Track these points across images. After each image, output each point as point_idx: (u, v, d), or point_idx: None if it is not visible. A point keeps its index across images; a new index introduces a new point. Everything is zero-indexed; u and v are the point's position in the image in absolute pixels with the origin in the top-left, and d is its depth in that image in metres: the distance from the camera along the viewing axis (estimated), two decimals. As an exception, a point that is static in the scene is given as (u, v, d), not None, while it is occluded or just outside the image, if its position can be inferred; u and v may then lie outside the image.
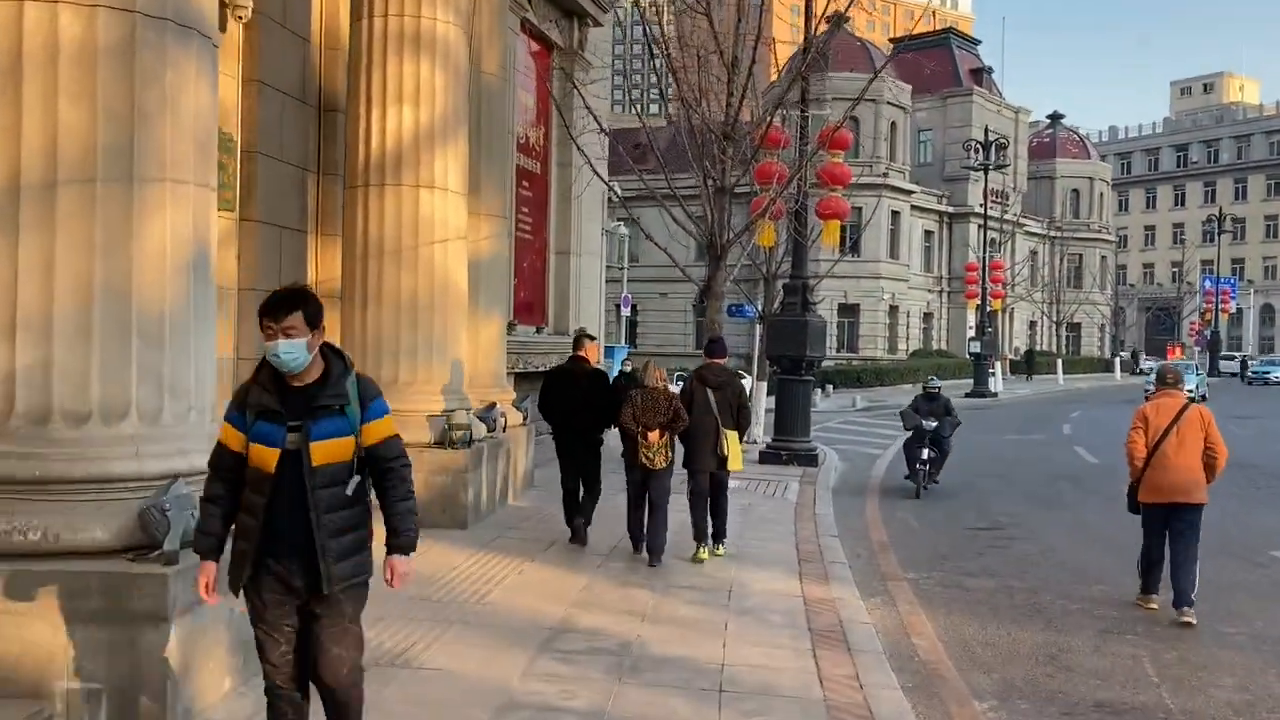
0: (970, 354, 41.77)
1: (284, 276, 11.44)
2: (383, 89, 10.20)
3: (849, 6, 16.31)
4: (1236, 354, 69.77)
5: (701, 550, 9.27)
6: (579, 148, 15.61)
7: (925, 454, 14.26)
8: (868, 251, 50.80)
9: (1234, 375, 60.47)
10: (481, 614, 7.14)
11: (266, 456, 3.89)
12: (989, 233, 44.50)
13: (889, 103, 52.90)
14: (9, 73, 4.87)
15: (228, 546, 4.08)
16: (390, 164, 10.20)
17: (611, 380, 11.05)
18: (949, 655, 7.06)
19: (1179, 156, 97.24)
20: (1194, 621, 7.81)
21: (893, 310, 54.40)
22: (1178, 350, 66.99)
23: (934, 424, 14.27)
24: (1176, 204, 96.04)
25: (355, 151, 10.45)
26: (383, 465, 4.07)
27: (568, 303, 17.77)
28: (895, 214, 53.82)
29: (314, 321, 3.90)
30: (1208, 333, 69.00)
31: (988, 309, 42.92)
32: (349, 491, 3.98)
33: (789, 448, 16.84)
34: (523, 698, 5.54)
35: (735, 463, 9.43)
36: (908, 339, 56.24)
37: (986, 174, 43.24)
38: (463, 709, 5.34)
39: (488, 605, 7.38)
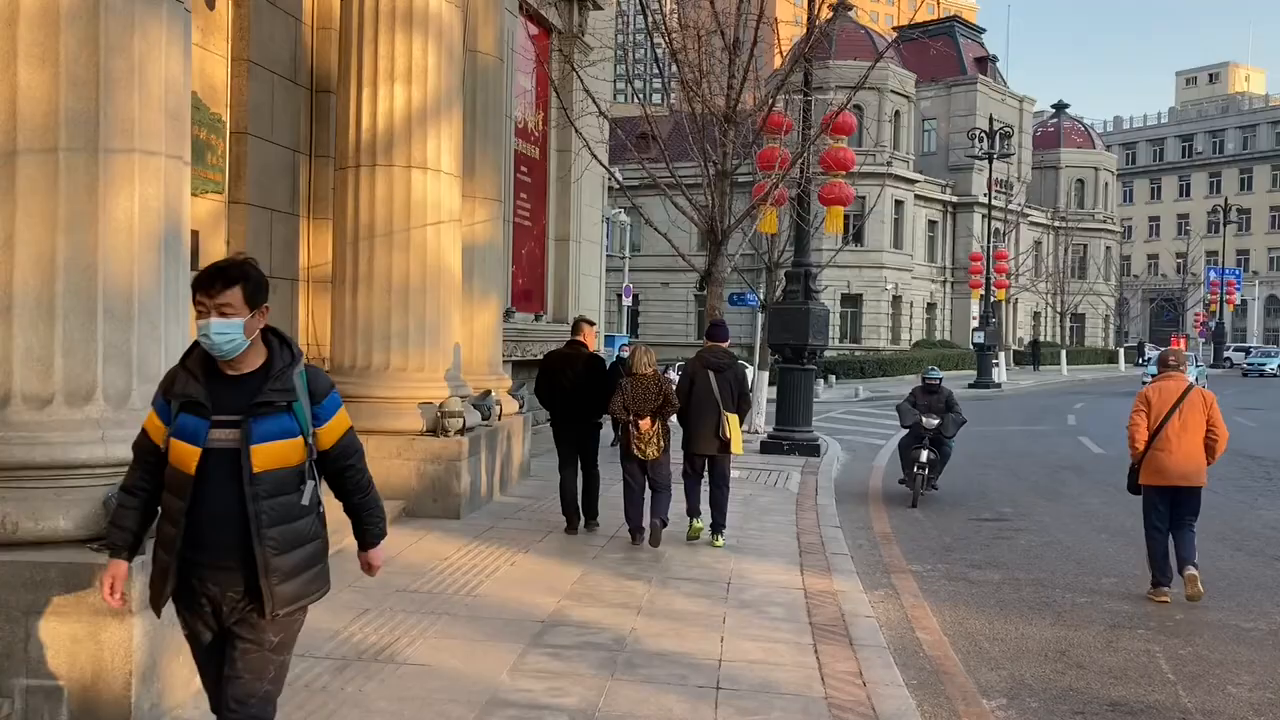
0: (974, 344, 41.50)
1: (274, 261, 11.22)
2: (374, 67, 9.93)
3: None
4: (1248, 345, 69.14)
5: (696, 522, 9.35)
6: (577, 131, 15.34)
7: (924, 456, 12.59)
8: (871, 241, 50.52)
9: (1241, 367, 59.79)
10: (471, 607, 6.90)
11: (186, 456, 3.33)
12: (993, 223, 44.19)
13: (893, 91, 52.56)
14: (-35, 34, 4.63)
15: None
16: (381, 144, 9.94)
17: (609, 366, 10.83)
18: (955, 650, 6.81)
19: (1184, 147, 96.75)
20: (1198, 576, 7.98)
21: (896, 300, 54.10)
22: (1182, 341, 66.57)
23: (935, 421, 12.61)
24: (1181, 194, 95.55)
25: (346, 132, 10.19)
26: (341, 464, 3.61)
27: (567, 290, 17.53)
28: (899, 203, 53.54)
29: (255, 300, 3.36)
30: (1212, 324, 68.66)
31: (992, 299, 42.59)
32: (305, 501, 3.46)
33: (791, 437, 16.61)
34: (510, 695, 5.29)
35: (737, 446, 9.36)
36: (911, 329, 55.95)
37: (991, 163, 42.97)
38: (446, 707, 5.10)
39: (478, 597, 7.13)
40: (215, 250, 10.43)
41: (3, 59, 4.62)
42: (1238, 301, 74.18)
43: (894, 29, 63.22)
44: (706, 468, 9.45)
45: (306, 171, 11.81)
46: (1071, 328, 67.73)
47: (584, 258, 18.62)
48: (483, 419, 10.85)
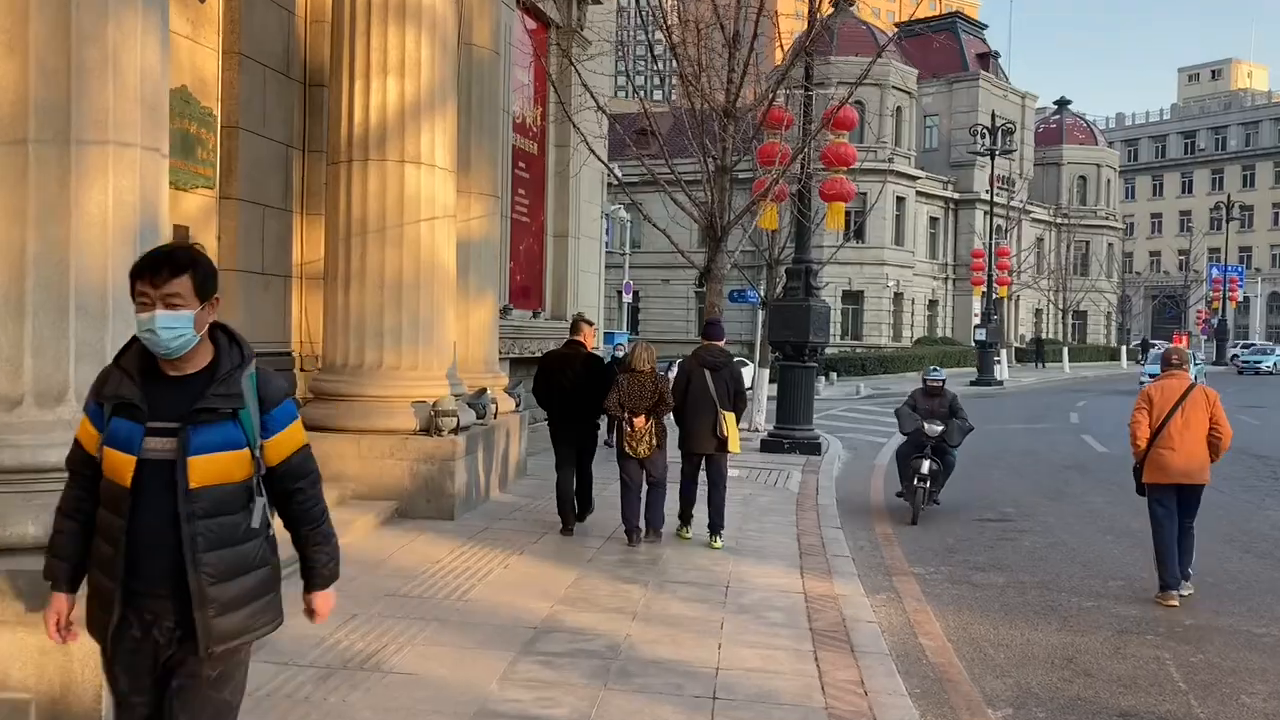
0: (975, 342, 41.32)
1: (267, 257, 11.05)
2: (366, 59, 9.76)
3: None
4: (1252, 343, 68.62)
5: (685, 531, 9.36)
6: (575, 126, 15.17)
7: (926, 467, 11.25)
8: (872, 238, 50.30)
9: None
10: (462, 612, 6.72)
11: (121, 466, 2.92)
12: (995, 219, 43.96)
13: (894, 87, 52.32)
14: (-69, 21, 4.45)
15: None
16: (374, 138, 9.77)
17: (607, 363, 10.70)
18: (959, 657, 6.63)
19: (1186, 143, 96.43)
20: (1191, 594, 8.13)
21: (897, 297, 53.88)
22: (1184, 338, 66.38)
23: (939, 429, 11.30)
24: (1184, 191, 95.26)
25: (338, 125, 10.01)
26: (290, 486, 3.13)
27: (565, 286, 17.37)
28: (900, 200, 53.31)
29: (206, 290, 2.95)
30: (1215, 321, 68.43)
31: (993, 297, 42.39)
32: (255, 524, 3.03)
33: (791, 436, 16.44)
34: (499, 706, 5.11)
35: (734, 444, 9.31)
36: (912, 326, 55.75)
37: (993, 160, 42.75)
38: (431, 718, 4.92)
39: (469, 602, 6.95)
40: (207, 247, 10.24)
41: (-31, 46, 4.45)
42: (1240, 299, 73.99)
43: (896, 24, 62.96)
44: (703, 467, 9.37)
45: (300, 166, 11.64)
46: (1074, 325, 67.52)
47: (583, 254, 18.45)
48: (478, 418, 10.68)
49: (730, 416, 9.20)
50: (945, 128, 60.92)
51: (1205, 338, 68.91)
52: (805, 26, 16.30)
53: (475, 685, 5.35)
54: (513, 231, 15.03)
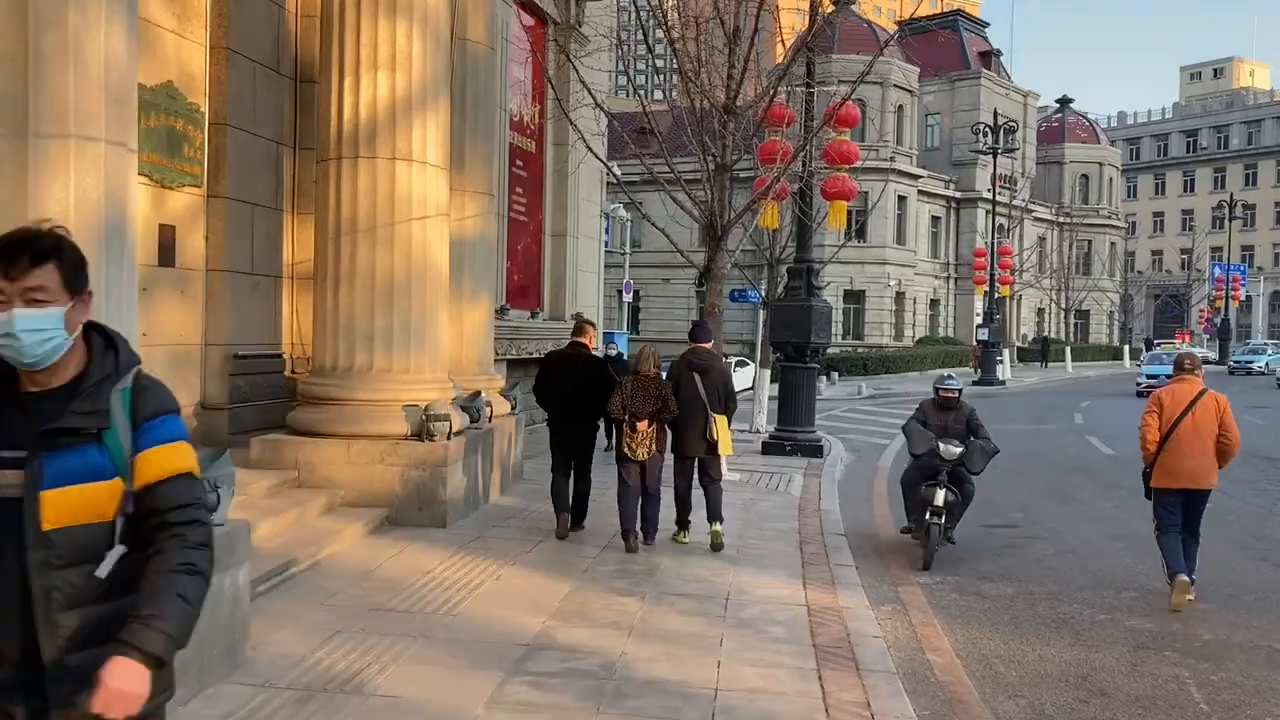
0: (977, 341, 41.05)
1: (257, 256, 10.79)
2: (356, 54, 9.47)
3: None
4: (1255, 342, 67.96)
5: (683, 536, 9.26)
6: (572, 123, 14.88)
7: (941, 498, 9.01)
8: (874, 237, 50.01)
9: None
10: (451, 628, 6.44)
11: None
12: (997, 218, 43.68)
13: (896, 85, 52.05)
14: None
15: None
16: (364, 135, 9.49)
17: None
18: (969, 675, 6.35)
19: (1188, 142, 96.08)
20: (1190, 587, 7.97)
21: (899, 297, 53.62)
22: (1186, 337, 66.10)
23: (957, 450, 9.15)
24: (1186, 190, 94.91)
25: (328, 122, 9.72)
26: (159, 519, 2.36)
27: (564, 286, 17.10)
28: (902, 199, 53.06)
29: (76, 283, 2.36)
30: (1217, 320, 68.13)
31: (996, 295, 42.13)
32: (103, 574, 2.33)
33: (793, 438, 16.18)
34: (486, 732, 4.84)
35: (725, 447, 9.18)
36: (914, 326, 55.50)
37: (995, 158, 42.52)
38: (415, 747, 4.66)
39: (458, 617, 6.66)
40: (194, 246, 10.00)
41: (-84, 32, 4.18)
42: (1243, 298, 73.72)
43: (897, 22, 62.62)
44: (696, 470, 9.26)
45: (290, 164, 11.38)
46: (1076, 324, 67.27)
47: (582, 253, 18.17)
48: (472, 421, 10.40)
49: (721, 419, 9.09)
50: (947, 126, 60.67)
51: (1208, 336, 68.64)
52: (806, 23, 16.02)
53: (461, 709, 5.07)
54: (510, 230, 14.75)
